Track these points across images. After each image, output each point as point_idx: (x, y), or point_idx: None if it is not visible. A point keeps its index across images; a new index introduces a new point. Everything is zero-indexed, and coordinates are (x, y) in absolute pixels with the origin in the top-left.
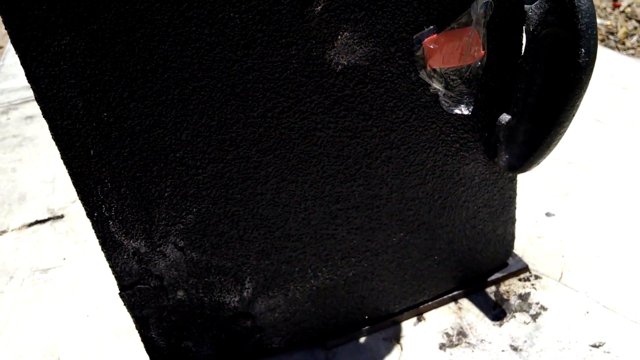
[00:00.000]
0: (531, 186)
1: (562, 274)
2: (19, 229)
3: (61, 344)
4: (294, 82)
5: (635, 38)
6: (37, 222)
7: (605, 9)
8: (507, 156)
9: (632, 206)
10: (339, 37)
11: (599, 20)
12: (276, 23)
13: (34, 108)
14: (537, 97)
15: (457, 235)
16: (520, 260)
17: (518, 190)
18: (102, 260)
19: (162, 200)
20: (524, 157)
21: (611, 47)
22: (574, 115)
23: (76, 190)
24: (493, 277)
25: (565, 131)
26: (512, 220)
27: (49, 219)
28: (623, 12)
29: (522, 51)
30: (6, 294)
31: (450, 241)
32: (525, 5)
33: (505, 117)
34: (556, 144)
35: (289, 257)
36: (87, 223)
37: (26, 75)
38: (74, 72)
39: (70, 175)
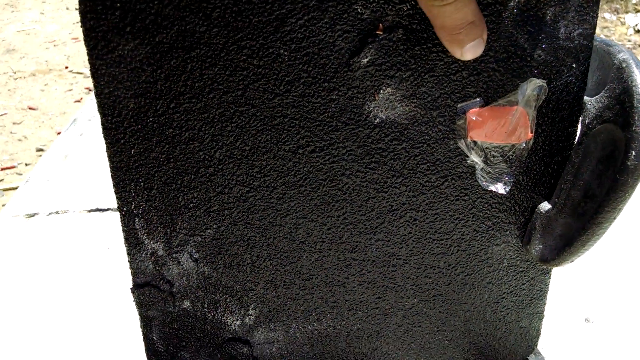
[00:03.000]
0: (575, 284)
1: None
2: (80, 212)
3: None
4: (330, 125)
5: None
6: (98, 209)
7: None
8: (540, 246)
9: None
10: (381, 91)
11: None
12: (322, 67)
13: None
14: (581, 192)
15: (475, 316)
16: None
17: (559, 286)
18: None
19: (187, 210)
20: (557, 250)
21: None
22: (614, 218)
23: (112, 183)
24: None
25: (603, 232)
26: (539, 315)
27: (108, 209)
28: None
29: (574, 142)
30: (48, 267)
31: (467, 320)
32: (585, 97)
33: (545, 206)
34: (592, 244)
35: (296, 294)
36: None
37: (90, 71)
38: (131, 76)
39: (110, 168)
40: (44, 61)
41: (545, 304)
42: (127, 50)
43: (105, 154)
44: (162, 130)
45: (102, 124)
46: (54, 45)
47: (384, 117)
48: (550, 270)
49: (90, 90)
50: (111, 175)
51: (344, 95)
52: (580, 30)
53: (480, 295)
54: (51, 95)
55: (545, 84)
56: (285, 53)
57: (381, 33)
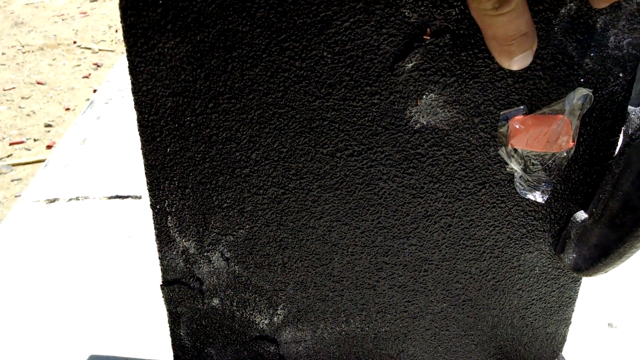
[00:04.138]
0: (598, 290)
1: None
2: (100, 198)
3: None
4: (370, 129)
5: None
6: (118, 196)
7: None
8: (574, 255)
9: None
10: (424, 96)
11: None
12: (365, 70)
13: None
14: (620, 203)
15: (503, 322)
16: None
17: (582, 292)
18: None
19: (220, 210)
20: (592, 260)
21: None
22: None
23: (146, 181)
24: None
25: None
26: (566, 322)
27: (128, 197)
28: None
29: (615, 152)
30: (66, 253)
31: (494, 325)
32: (629, 107)
33: (581, 215)
34: (629, 256)
35: (326, 295)
36: None
37: (128, 67)
38: (170, 74)
39: (145, 165)
40: (52, 35)
41: (573, 310)
42: (167, 48)
43: (122, 140)
44: (199, 129)
45: (139, 121)
46: (62, 20)
47: (424, 123)
48: (581, 278)
49: (98, 66)
50: (145, 172)
51: (386, 100)
52: (629, 39)
53: (509, 301)
54: (59, 70)
55: (591, 93)
56: (329, 55)
57: (429, 38)
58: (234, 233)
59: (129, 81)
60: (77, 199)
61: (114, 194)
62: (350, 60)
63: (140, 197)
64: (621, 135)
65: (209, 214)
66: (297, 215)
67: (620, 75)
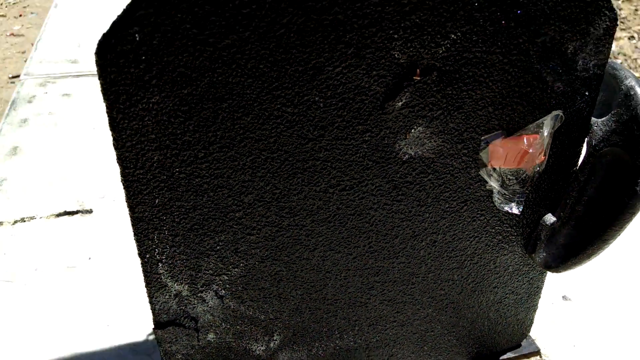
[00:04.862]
0: None
1: None
2: (47, 217)
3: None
4: (361, 165)
5: None
6: (66, 212)
7: None
8: (544, 254)
9: None
10: (412, 130)
11: None
12: (356, 111)
13: (73, 84)
14: (585, 208)
15: (481, 316)
16: (533, 342)
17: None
18: (125, 264)
19: (213, 252)
20: (561, 259)
21: None
22: (619, 235)
23: (133, 231)
24: (505, 356)
25: (607, 247)
26: (534, 308)
27: (77, 212)
28: None
29: (580, 161)
30: (29, 286)
31: (473, 321)
32: (592, 119)
33: (550, 218)
34: (596, 256)
35: (321, 317)
36: (115, 222)
37: (109, 123)
38: (157, 128)
39: (130, 217)
40: None
41: (540, 297)
42: (152, 104)
43: (57, 146)
44: (188, 179)
45: (123, 175)
46: None
47: (412, 154)
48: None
49: (14, 34)
50: (132, 224)
51: (376, 136)
52: (595, 61)
53: (486, 299)
54: None
55: (561, 113)
56: (321, 100)
57: (418, 78)
58: (228, 272)
59: (51, 74)
60: (23, 220)
61: (61, 211)
62: (342, 102)
63: (90, 212)
64: (584, 146)
65: (202, 258)
66: (291, 250)
67: (586, 93)
